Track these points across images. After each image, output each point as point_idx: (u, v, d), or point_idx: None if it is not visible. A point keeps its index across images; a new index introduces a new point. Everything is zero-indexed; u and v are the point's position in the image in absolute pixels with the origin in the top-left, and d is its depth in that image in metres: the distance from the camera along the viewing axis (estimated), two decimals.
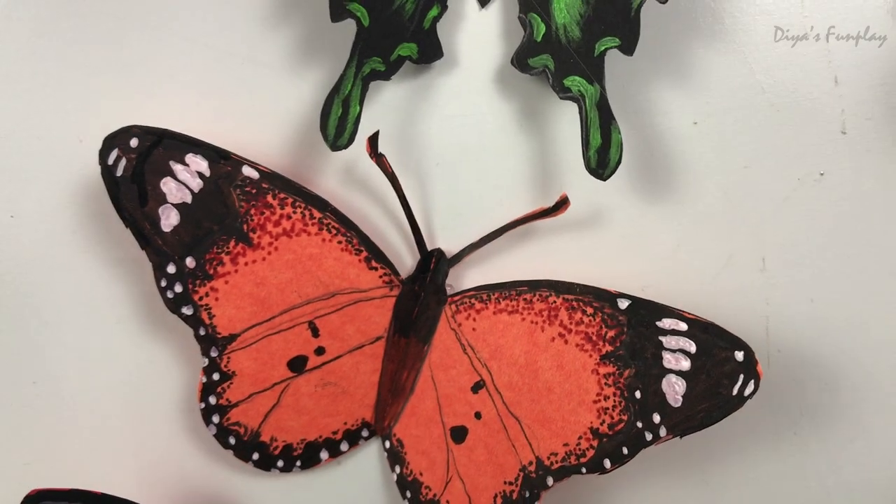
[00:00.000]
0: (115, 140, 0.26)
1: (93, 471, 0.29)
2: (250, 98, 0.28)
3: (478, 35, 0.28)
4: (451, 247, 0.28)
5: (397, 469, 0.29)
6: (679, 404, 0.24)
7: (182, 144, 0.26)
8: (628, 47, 0.26)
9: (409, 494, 0.29)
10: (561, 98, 0.26)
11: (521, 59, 0.27)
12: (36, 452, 0.30)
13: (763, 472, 0.30)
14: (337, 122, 0.26)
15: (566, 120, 0.28)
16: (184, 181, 0.26)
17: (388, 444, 0.29)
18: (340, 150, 0.26)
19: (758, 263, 0.29)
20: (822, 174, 0.29)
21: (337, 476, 0.30)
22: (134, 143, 0.26)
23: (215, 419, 0.28)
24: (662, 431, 0.25)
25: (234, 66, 0.28)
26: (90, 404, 0.30)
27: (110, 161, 0.26)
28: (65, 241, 0.29)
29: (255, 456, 0.29)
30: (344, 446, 0.29)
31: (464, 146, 0.29)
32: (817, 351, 0.29)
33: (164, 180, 0.26)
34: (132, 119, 0.26)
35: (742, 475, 0.30)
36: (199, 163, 0.26)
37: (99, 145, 0.26)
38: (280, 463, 0.29)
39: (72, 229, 0.29)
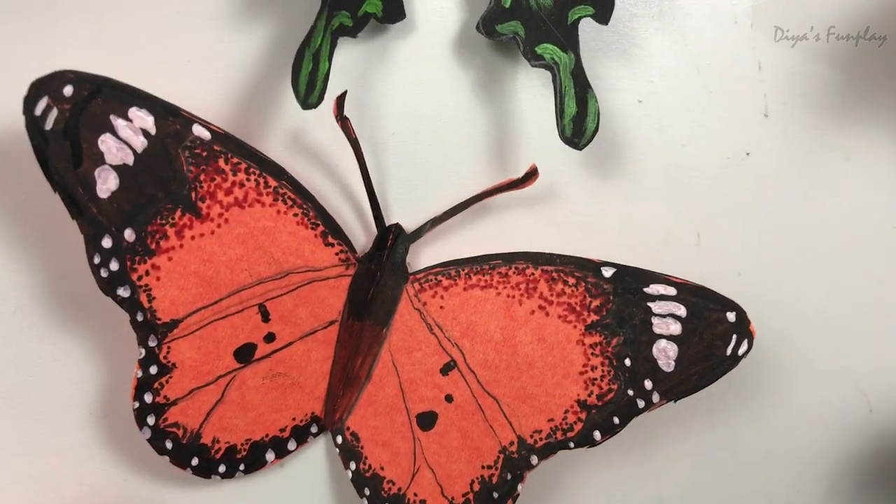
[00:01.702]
0: (44, 86, 0.21)
1: None
2: (185, 52, 0.25)
3: None
4: (406, 222, 0.27)
5: (352, 465, 0.26)
6: (671, 369, 0.25)
7: (125, 96, 0.22)
8: (603, 16, 0.26)
9: (367, 492, 0.26)
10: (533, 66, 0.26)
11: (489, 26, 0.26)
12: None
13: (697, 443, 0.31)
14: (308, 77, 0.23)
15: (525, 90, 0.28)
16: (125, 139, 0.22)
17: (340, 440, 0.26)
18: (311, 108, 0.23)
19: (693, 238, 0.30)
20: (748, 154, 0.30)
21: (279, 480, 0.27)
22: (68, 91, 0.22)
23: (150, 420, 0.24)
24: (655, 397, 0.25)
25: (167, 15, 0.25)
26: None
27: (38, 111, 0.21)
28: None
29: (195, 461, 0.25)
30: (291, 445, 0.26)
31: (420, 115, 0.27)
32: None
33: (102, 137, 0.22)
34: (42, 69, 0.22)
35: (680, 447, 0.30)
36: (143, 118, 0.23)
37: None
38: (222, 468, 0.25)
39: None
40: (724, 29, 0.30)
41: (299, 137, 0.26)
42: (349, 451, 0.26)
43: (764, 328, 0.31)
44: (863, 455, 0.32)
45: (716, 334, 0.24)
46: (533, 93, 0.28)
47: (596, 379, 0.25)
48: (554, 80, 0.26)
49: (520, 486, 0.25)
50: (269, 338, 0.25)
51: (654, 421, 0.29)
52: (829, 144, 0.31)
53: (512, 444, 0.25)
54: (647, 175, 0.30)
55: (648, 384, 0.25)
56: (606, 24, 0.26)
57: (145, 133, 0.23)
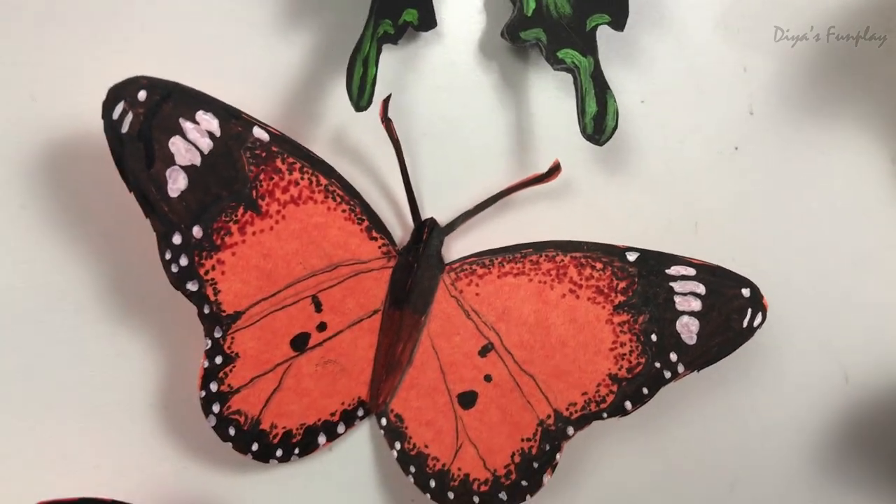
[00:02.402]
0: (121, 91, 0.23)
1: (54, 483, 0.24)
2: (236, 59, 0.27)
3: (462, 8, 0.29)
4: (439, 217, 0.29)
5: (398, 445, 0.28)
6: (694, 342, 0.27)
7: (193, 100, 0.24)
8: (618, 23, 0.28)
9: (413, 469, 0.28)
10: (555, 69, 0.28)
11: (513, 32, 0.28)
12: None
13: (697, 415, 0.33)
14: (359, 81, 0.25)
15: (542, 93, 0.30)
16: (193, 141, 0.24)
17: (384, 422, 0.28)
18: (363, 110, 0.25)
19: (691, 227, 0.33)
20: (736, 148, 0.33)
21: (329, 463, 0.28)
22: (142, 95, 0.23)
23: (216, 409, 0.26)
24: (680, 368, 0.27)
25: (216, 22, 0.26)
26: (46, 408, 0.25)
27: (115, 115, 0.23)
28: (11, 217, 0.25)
29: (255, 447, 0.27)
30: (341, 428, 0.28)
31: (449, 117, 0.29)
32: None
33: (172, 139, 0.24)
34: (96, 76, 0.23)
35: (681, 419, 0.33)
36: (209, 121, 0.24)
37: (54, 104, 0.23)
38: (279, 452, 0.27)
39: (20, 203, 0.25)
40: (714, 35, 0.33)
41: (341, 139, 0.28)
42: (394, 432, 0.28)
43: None
44: (841, 423, 0.36)
45: (733, 309, 0.27)
46: (549, 95, 0.30)
47: (625, 354, 0.27)
48: (575, 83, 0.28)
49: (558, 456, 0.28)
50: (321, 327, 0.27)
51: (659, 396, 0.32)
52: (807, 139, 0.34)
53: (549, 417, 0.28)
54: (649, 169, 0.32)
55: (674, 356, 0.27)
56: (622, 30, 0.28)
57: (211, 135, 0.24)
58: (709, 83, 0.33)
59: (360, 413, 0.28)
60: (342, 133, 0.28)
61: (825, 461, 0.35)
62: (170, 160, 0.24)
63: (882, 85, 0.35)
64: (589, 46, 0.28)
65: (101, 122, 0.23)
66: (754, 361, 0.34)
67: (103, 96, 0.23)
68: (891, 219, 0.36)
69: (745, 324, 0.27)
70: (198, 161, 0.24)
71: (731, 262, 0.33)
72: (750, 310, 0.27)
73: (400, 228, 0.29)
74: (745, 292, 0.27)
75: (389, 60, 0.28)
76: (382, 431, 0.28)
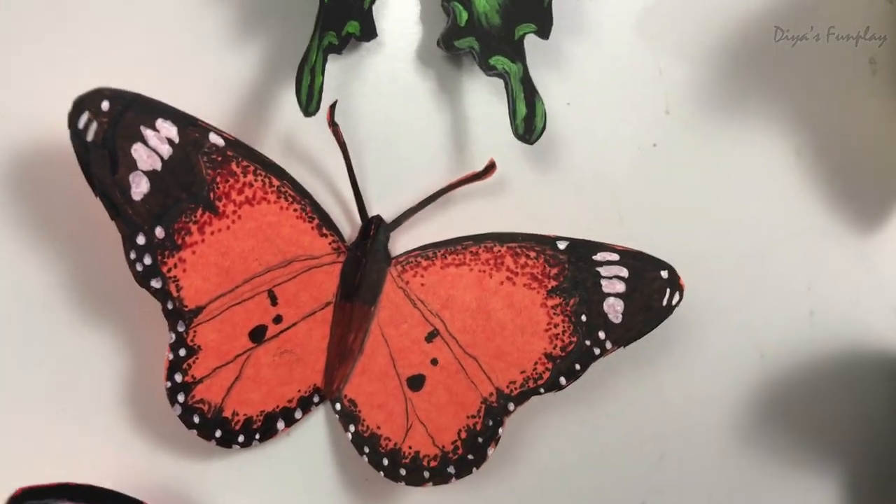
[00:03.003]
0: (86, 102, 0.24)
1: (27, 475, 0.26)
2: (188, 69, 0.28)
3: (400, 20, 0.31)
4: (385, 214, 0.31)
5: (352, 428, 0.30)
6: (620, 320, 0.30)
7: (153, 109, 0.25)
8: (544, 32, 0.31)
9: (367, 450, 0.30)
10: (487, 75, 0.30)
11: (448, 41, 0.30)
12: None
13: (627, 392, 0.36)
14: (307, 89, 0.27)
15: (476, 97, 0.32)
16: (154, 147, 0.25)
17: (339, 406, 0.30)
18: (311, 115, 0.27)
19: (616, 218, 0.35)
20: (654, 145, 0.36)
21: (287, 447, 0.30)
22: (105, 106, 0.25)
23: (181, 398, 0.27)
24: (608, 345, 0.30)
25: (172, 34, 0.28)
26: (18, 403, 0.27)
27: (80, 125, 0.24)
28: None
29: (218, 433, 0.28)
30: (298, 414, 0.30)
31: (391, 120, 0.31)
32: None
33: (134, 146, 0.25)
34: (57, 88, 0.25)
35: (612, 396, 0.36)
36: (168, 129, 0.26)
37: (18, 117, 0.24)
38: (241, 438, 0.29)
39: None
40: (631, 40, 0.36)
41: (291, 142, 0.30)
42: (348, 416, 0.30)
43: None
44: (758, 396, 0.39)
45: (653, 289, 0.30)
46: (482, 99, 0.33)
47: (559, 334, 0.30)
48: (506, 87, 0.30)
49: (500, 430, 0.30)
50: (277, 319, 0.29)
51: (593, 374, 0.35)
52: (719, 135, 0.37)
53: (491, 395, 0.30)
54: (576, 166, 0.35)
55: (602, 335, 0.30)
56: (547, 38, 0.31)
57: (170, 142, 0.26)
58: (627, 86, 0.36)
59: (316, 399, 0.30)
60: (292, 137, 0.30)
61: (745, 431, 0.38)
62: (133, 166, 0.25)
63: (786, 83, 0.38)
64: (518, 54, 0.31)
65: (65, 131, 0.24)
66: (678, 341, 0.37)
67: (66, 106, 0.24)
68: (796, 206, 0.39)
69: (664, 302, 0.30)
70: (158, 166, 0.26)
71: (653, 249, 0.36)
72: (668, 289, 0.30)
73: (348, 225, 0.31)
74: (664, 274, 0.30)
75: (334, 69, 0.30)
76: (337, 416, 0.30)
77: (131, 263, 0.26)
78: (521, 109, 0.30)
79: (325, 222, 0.29)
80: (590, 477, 0.35)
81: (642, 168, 0.36)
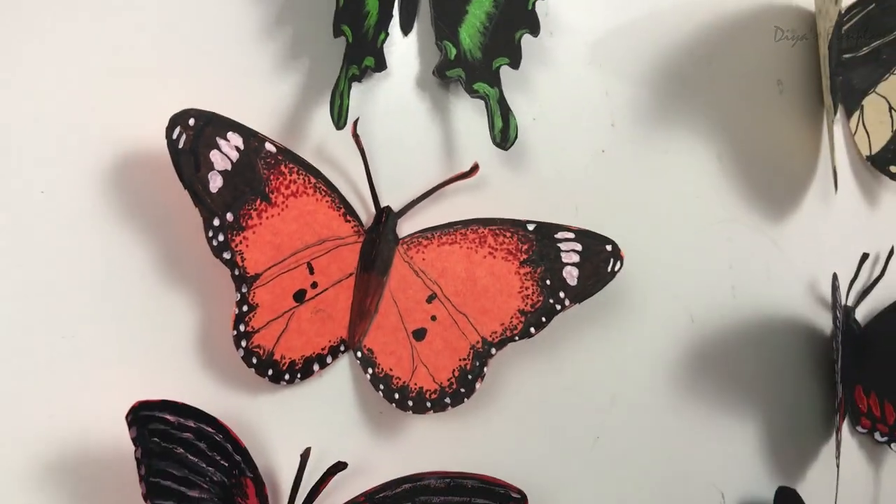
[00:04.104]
0: (178, 119, 0.33)
1: (129, 403, 0.34)
2: (249, 94, 0.37)
3: (404, 55, 0.40)
4: (393, 204, 0.39)
5: (370, 371, 0.38)
6: (575, 283, 0.38)
7: (225, 124, 0.34)
8: (515, 64, 0.39)
9: (382, 387, 0.38)
10: (471, 97, 0.39)
11: (441, 71, 0.39)
12: (69, 395, 0.35)
13: (584, 346, 0.44)
14: (338, 109, 0.36)
15: (463, 113, 0.41)
16: (226, 153, 0.34)
17: (360, 354, 0.38)
18: (340, 129, 0.36)
19: (573, 209, 0.44)
20: (603, 151, 0.44)
21: (320, 385, 0.38)
22: (191, 122, 0.33)
23: (243, 343, 0.35)
24: (567, 302, 0.38)
25: (236, 68, 0.37)
26: (116, 347, 0.35)
27: (174, 136, 0.33)
28: (91, 212, 0.34)
29: (269, 372, 0.36)
30: (329, 359, 0.38)
31: (396, 132, 0.40)
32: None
33: (212, 152, 0.34)
34: (151, 111, 0.33)
35: (572, 348, 0.43)
36: (236, 139, 0.34)
37: (118, 135, 0.33)
38: (286, 376, 0.37)
39: (95, 202, 0.34)
40: (584, 69, 0.44)
41: (324, 149, 0.38)
42: (366, 361, 0.38)
43: (625, 269, 0.44)
44: (690, 352, 0.47)
45: (601, 259, 0.38)
46: (468, 116, 0.41)
47: (529, 295, 0.38)
48: (486, 106, 0.39)
49: (485, 370, 0.38)
50: (314, 285, 0.37)
51: (559, 331, 0.43)
52: (654, 142, 0.45)
53: (478, 342, 0.38)
54: (541, 167, 0.43)
55: (562, 294, 0.38)
56: (517, 69, 0.39)
57: (237, 149, 0.34)
58: (581, 104, 0.44)
59: (342, 348, 0.38)
60: (324, 145, 0.38)
61: (680, 381, 0.46)
62: (210, 166, 0.34)
63: (709, 101, 0.47)
64: (495, 81, 0.39)
65: (163, 141, 0.33)
66: (625, 308, 0.45)
67: (163, 123, 0.33)
68: (719, 201, 0.47)
69: (609, 269, 0.38)
70: (229, 167, 0.34)
71: (602, 233, 0.44)
72: (612, 259, 0.38)
73: (365, 213, 0.39)
74: (609, 248, 0.38)
75: (355, 93, 0.38)
76: (358, 361, 0.38)
77: (209, 240, 0.34)
78: (498, 123, 0.39)
79: (348, 211, 0.38)
80: (554, 414, 0.43)
81: (593, 169, 0.44)
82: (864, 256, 0.51)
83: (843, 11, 0.49)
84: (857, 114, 0.52)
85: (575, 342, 0.44)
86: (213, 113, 0.33)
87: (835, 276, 0.47)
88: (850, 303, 0.51)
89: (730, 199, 0.48)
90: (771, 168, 0.49)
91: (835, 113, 0.49)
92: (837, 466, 0.47)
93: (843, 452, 0.48)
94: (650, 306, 0.46)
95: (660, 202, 0.46)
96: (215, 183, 0.34)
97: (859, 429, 0.52)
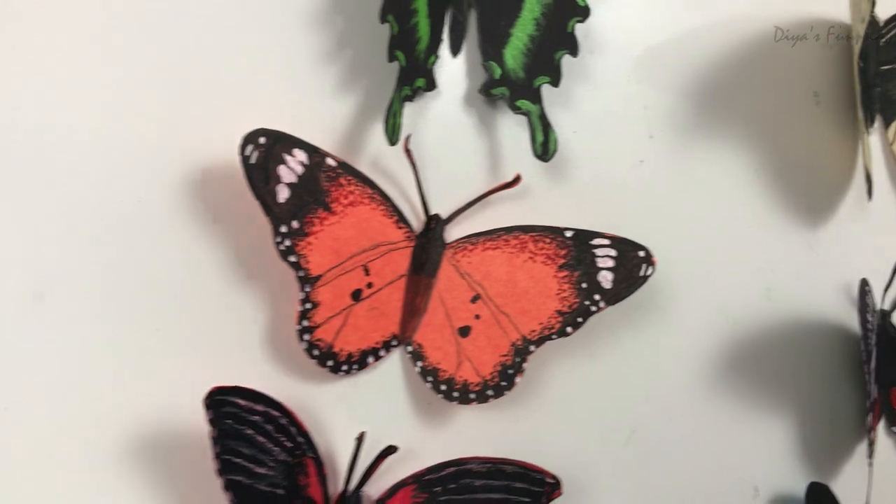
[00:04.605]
0: (250, 137, 0.37)
1: (199, 389, 0.38)
2: (312, 113, 0.41)
3: (452, 75, 0.43)
4: (441, 212, 0.42)
5: (419, 364, 0.42)
6: (610, 286, 0.41)
7: (292, 142, 0.38)
8: (555, 82, 0.42)
9: (430, 379, 0.42)
10: (515, 114, 0.42)
11: (486, 90, 0.42)
12: (158, 379, 0.40)
13: (620, 349, 0.46)
14: (391, 126, 0.39)
15: (508, 129, 0.44)
16: (292, 168, 0.38)
17: (410, 348, 0.42)
18: (394, 145, 0.39)
19: (611, 216, 0.46)
20: (641, 161, 0.47)
21: (373, 376, 0.42)
22: (262, 140, 0.37)
23: (306, 337, 0.39)
24: (602, 304, 0.41)
25: (302, 90, 0.41)
26: (192, 341, 0.40)
27: (247, 153, 0.37)
28: (178, 219, 0.39)
29: (329, 363, 0.40)
30: (382, 352, 0.42)
31: (445, 145, 0.43)
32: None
33: (279, 167, 0.38)
34: (229, 129, 0.38)
35: (611, 352, 0.46)
36: (301, 155, 0.38)
37: (208, 148, 0.38)
38: (344, 367, 0.41)
39: (182, 210, 0.39)
40: (623, 84, 0.47)
41: (379, 163, 0.42)
42: (416, 355, 0.42)
43: (656, 273, 0.46)
44: (722, 353, 0.49)
45: (634, 264, 0.41)
46: (511, 130, 0.44)
47: (566, 297, 0.41)
48: (528, 122, 0.42)
49: (524, 365, 0.41)
50: (369, 285, 0.41)
51: (595, 330, 0.45)
52: (690, 153, 0.47)
53: (518, 340, 0.41)
54: (581, 177, 0.45)
55: (597, 297, 0.41)
56: (557, 87, 0.42)
57: (302, 164, 0.38)
58: (620, 117, 0.46)
59: (394, 343, 0.42)
60: (379, 159, 0.42)
61: (713, 377, 0.48)
62: (279, 180, 0.38)
63: (745, 108, 0.49)
64: (536, 98, 0.42)
65: (236, 157, 0.37)
66: (662, 309, 0.47)
67: (237, 141, 0.37)
68: (755, 208, 0.49)
69: (641, 273, 0.41)
70: (295, 180, 0.38)
71: (639, 239, 0.44)
72: (644, 264, 0.41)
73: (416, 220, 0.43)
74: (641, 253, 0.41)
75: (408, 111, 0.42)
76: (409, 355, 0.42)
77: (276, 245, 0.38)
78: (539, 137, 0.42)
79: (400, 218, 0.41)
80: (591, 407, 0.46)
81: (631, 178, 0.47)
82: None
83: (876, 16, 0.51)
84: (894, 124, 0.54)
85: (612, 341, 0.46)
86: (281, 132, 0.37)
87: (863, 282, 0.48)
88: (885, 307, 0.53)
89: (765, 205, 0.50)
90: (807, 176, 0.51)
91: (872, 123, 0.51)
92: (870, 465, 0.49)
93: (878, 451, 0.49)
94: (685, 307, 0.48)
95: (695, 208, 0.48)
96: (282, 194, 0.38)
97: (895, 429, 0.54)
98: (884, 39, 0.53)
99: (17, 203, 0.39)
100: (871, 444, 0.49)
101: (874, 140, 0.53)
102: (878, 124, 0.54)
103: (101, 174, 0.40)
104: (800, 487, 0.51)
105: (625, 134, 0.47)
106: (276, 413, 0.37)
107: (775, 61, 0.50)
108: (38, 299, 0.39)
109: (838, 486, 0.51)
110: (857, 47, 0.49)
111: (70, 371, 0.39)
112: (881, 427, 0.54)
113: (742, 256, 0.50)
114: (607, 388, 0.47)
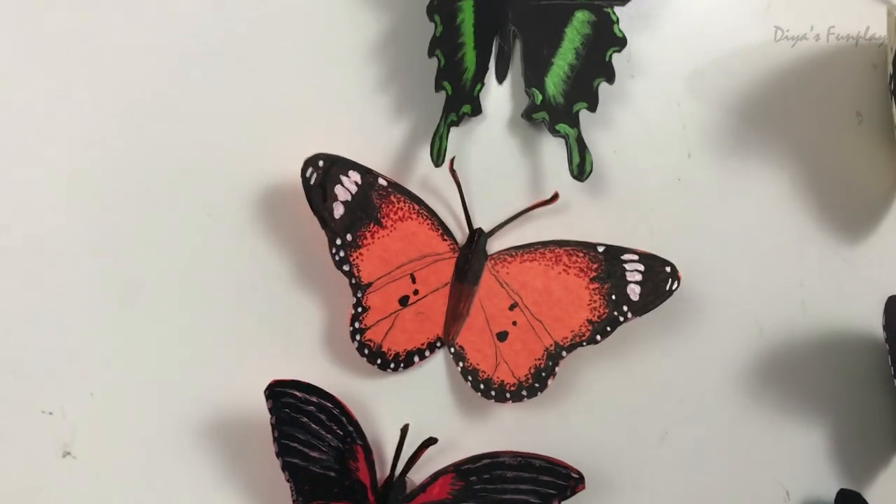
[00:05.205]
0: (310, 161, 0.42)
1: (262, 381, 0.43)
2: (365, 138, 0.46)
3: (497, 101, 0.47)
4: (484, 226, 0.46)
5: (460, 364, 0.46)
6: (637, 299, 0.44)
7: (347, 164, 0.42)
8: (592, 108, 0.45)
9: (470, 378, 0.46)
10: (554, 136, 0.45)
11: (528, 114, 0.46)
12: (228, 372, 0.45)
13: (656, 354, 0.48)
14: (437, 150, 0.43)
15: (547, 150, 0.47)
16: (347, 187, 0.42)
17: (452, 350, 0.46)
18: (439, 166, 0.43)
19: (648, 232, 0.49)
20: (679, 179, 0.49)
21: (418, 374, 0.47)
22: (320, 163, 0.42)
23: (357, 338, 0.44)
24: (629, 315, 0.44)
25: (357, 117, 0.46)
26: (257, 341, 0.45)
27: (307, 174, 0.42)
28: (246, 231, 0.45)
29: (378, 361, 0.45)
30: (427, 353, 0.46)
31: (489, 165, 0.47)
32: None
33: (336, 186, 0.42)
34: (293, 152, 0.42)
35: (647, 356, 0.48)
36: (355, 176, 0.43)
37: (278, 169, 0.43)
38: (392, 365, 0.45)
39: (250, 224, 0.45)
40: (660, 107, 0.49)
41: (426, 182, 0.46)
42: (458, 356, 0.46)
43: (690, 285, 0.48)
44: (756, 362, 0.50)
45: (661, 278, 0.43)
46: (550, 151, 0.47)
47: (597, 307, 0.44)
48: (567, 144, 0.45)
49: (557, 369, 0.45)
50: (416, 292, 0.45)
51: (630, 337, 0.48)
52: (727, 172, 0.49)
53: (551, 345, 0.45)
54: (617, 194, 0.48)
55: (625, 308, 0.44)
56: (594, 112, 0.45)
57: (356, 184, 0.43)
58: (658, 137, 0.49)
59: (438, 344, 0.46)
60: (427, 179, 0.46)
61: (747, 385, 0.50)
62: (335, 198, 0.42)
63: (785, 127, 0.51)
64: (574, 122, 0.45)
65: (298, 178, 0.42)
66: (696, 319, 0.49)
67: (299, 164, 0.42)
68: (791, 223, 0.50)
69: (667, 287, 0.44)
70: (349, 198, 0.43)
71: (675, 255, 0.46)
72: (670, 279, 0.43)
73: (460, 234, 0.47)
74: (668, 269, 0.43)
75: (454, 134, 0.45)
76: (451, 356, 0.46)
77: (332, 255, 0.43)
78: (576, 159, 0.45)
79: (445, 231, 0.45)
80: (624, 409, 0.48)
81: (669, 195, 0.49)
82: None
83: None
84: None
85: (647, 348, 0.48)
86: (338, 155, 0.42)
87: (890, 299, 0.49)
88: None
89: (803, 221, 0.51)
90: (846, 194, 0.52)
91: None
92: None
93: None
94: (721, 316, 0.49)
95: (732, 224, 0.50)
96: (338, 211, 0.43)
97: None
98: None
99: (117, 217, 0.46)
100: None
101: None
102: None
103: (190, 191, 0.46)
104: (830, 494, 0.52)
105: (663, 153, 0.49)
106: (328, 404, 0.42)
107: (817, 81, 0.52)
108: (128, 299, 0.45)
109: (869, 495, 0.52)
110: (890, 68, 0.50)
111: (153, 362, 0.46)
112: None
113: (777, 269, 0.51)
114: (641, 391, 0.49)
